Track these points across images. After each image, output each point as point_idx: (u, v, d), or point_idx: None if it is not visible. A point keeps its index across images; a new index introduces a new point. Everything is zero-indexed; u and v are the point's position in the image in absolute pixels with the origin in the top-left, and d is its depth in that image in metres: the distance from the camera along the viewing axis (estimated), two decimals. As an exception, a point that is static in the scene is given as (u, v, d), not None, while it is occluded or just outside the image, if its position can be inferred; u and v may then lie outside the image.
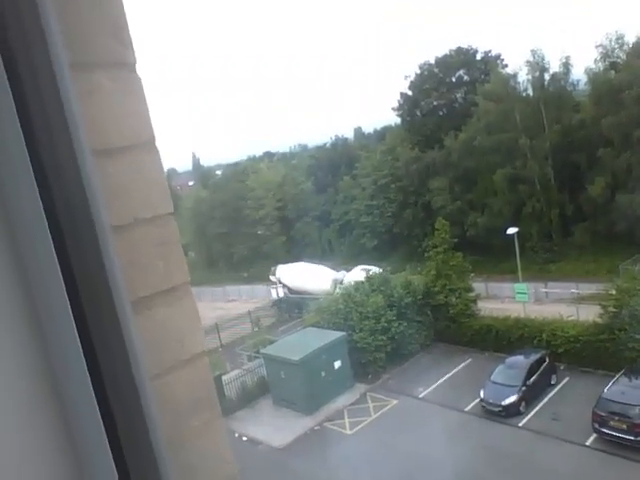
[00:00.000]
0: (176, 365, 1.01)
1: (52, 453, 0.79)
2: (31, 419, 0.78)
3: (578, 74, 36.58)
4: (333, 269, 34.53)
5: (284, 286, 35.52)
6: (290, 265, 36.31)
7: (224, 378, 22.34)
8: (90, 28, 0.93)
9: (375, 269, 31.00)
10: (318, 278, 33.56)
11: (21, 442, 0.77)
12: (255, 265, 43.06)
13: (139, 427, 0.80)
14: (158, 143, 1.03)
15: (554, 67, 36.34)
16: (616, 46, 34.54)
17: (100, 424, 0.77)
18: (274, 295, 35.88)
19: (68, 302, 0.76)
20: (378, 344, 23.04)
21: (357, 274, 31.64)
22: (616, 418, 16.00)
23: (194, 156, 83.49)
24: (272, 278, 36.63)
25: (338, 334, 22.47)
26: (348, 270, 33.43)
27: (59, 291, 0.76)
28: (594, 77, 34.74)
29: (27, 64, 0.75)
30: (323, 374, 21.28)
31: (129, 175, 0.98)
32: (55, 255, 0.76)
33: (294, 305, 34.00)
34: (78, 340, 0.76)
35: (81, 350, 0.76)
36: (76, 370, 0.77)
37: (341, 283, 31.92)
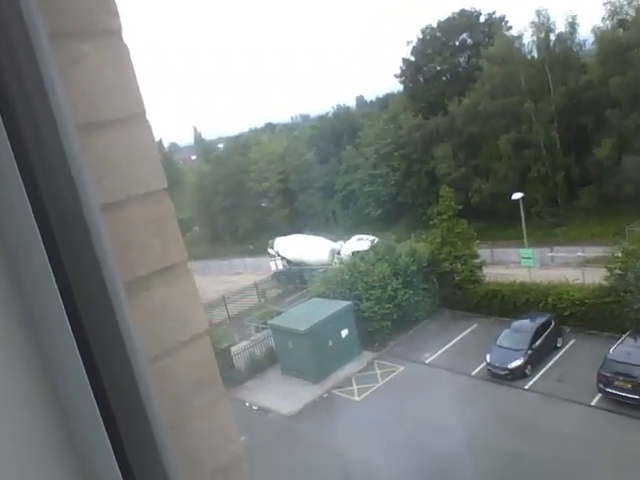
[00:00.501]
0: (177, 346, 0.98)
1: (49, 443, 0.77)
2: (25, 407, 0.75)
3: (585, 34, 35.68)
4: (338, 239, 34.66)
5: (283, 258, 35.86)
6: (288, 237, 36.54)
7: (233, 349, 22.64)
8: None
9: (372, 238, 31.30)
10: (316, 249, 33.87)
11: (17, 433, 0.75)
12: (260, 238, 43.09)
13: (137, 411, 0.78)
14: (151, 116, 0.98)
15: (560, 27, 35.46)
16: (625, 2, 33.51)
17: (96, 411, 0.74)
18: (273, 267, 36.30)
19: (57, 288, 0.73)
20: (384, 312, 23.22)
21: (354, 244, 31.97)
22: (621, 378, 16.19)
23: (195, 130, 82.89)
24: (270, 251, 37.00)
25: (344, 303, 22.63)
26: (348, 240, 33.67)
27: (47, 277, 0.72)
28: (601, 36, 33.81)
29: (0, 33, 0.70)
30: (330, 343, 21.53)
31: (120, 150, 0.93)
32: (41, 239, 0.72)
33: (293, 277, 34.48)
34: (69, 326, 0.73)
35: (73, 336, 0.73)
36: (69, 357, 0.74)
37: (339, 253, 32.24)
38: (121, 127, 0.94)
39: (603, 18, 34.08)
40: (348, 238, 34.04)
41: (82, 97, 0.88)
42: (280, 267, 36.01)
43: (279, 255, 36.08)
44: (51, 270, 0.72)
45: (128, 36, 0.98)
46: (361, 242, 31.97)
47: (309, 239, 35.45)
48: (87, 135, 0.88)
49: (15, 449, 0.74)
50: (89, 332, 0.74)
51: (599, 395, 16.76)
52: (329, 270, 28.69)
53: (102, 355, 0.75)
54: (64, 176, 0.74)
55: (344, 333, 22.16)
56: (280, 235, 37.75)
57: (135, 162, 0.96)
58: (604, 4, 33.80)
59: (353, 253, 29.71)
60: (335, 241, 34.35)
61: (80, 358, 0.74)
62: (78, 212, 0.75)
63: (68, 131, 0.75)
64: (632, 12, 33.25)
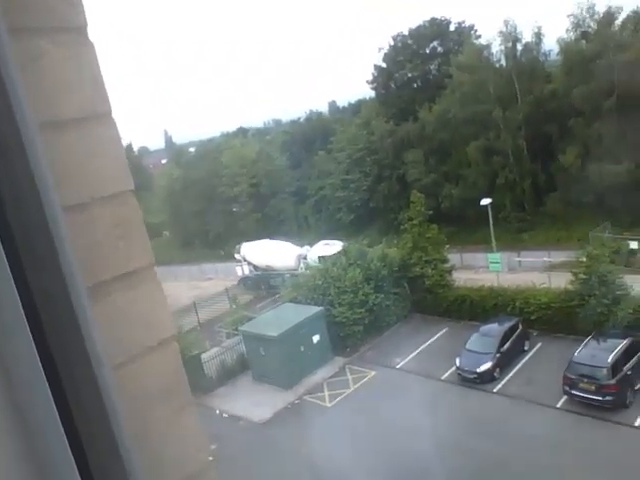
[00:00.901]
0: (142, 352, 0.95)
1: (7, 452, 0.73)
2: None
3: (550, 44, 36.71)
4: (311, 244, 34.71)
5: (249, 264, 35.89)
6: (254, 243, 36.54)
7: (203, 356, 22.33)
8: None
9: (339, 243, 31.68)
10: (282, 254, 33.99)
11: None
12: (231, 242, 42.68)
13: (99, 419, 0.75)
14: (120, 118, 0.95)
15: (527, 37, 36.39)
16: (587, 15, 34.62)
17: (57, 419, 0.71)
18: (239, 273, 36.32)
19: (17, 293, 0.69)
20: (356, 317, 23.28)
21: (320, 249, 32.26)
22: (585, 380, 16.58)
23: (166, 134, 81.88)
24: (237, 256, 37.00)
25: (316, 309, 22.60)
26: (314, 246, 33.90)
27: (7, 282, 0.69)
28: (566, 47, 34.86)
29: None
30: (302, 349, 21.45)
31: (83, 150, 0.90)
32: (0, 242, 0.69)
33: (259, 282, 34.59)
34: (29, 332, 0.70)
35: (34, 343, 0.70)
36: (30, 364, 0.71)
37: (305, 258, 32.41)
38: (84, 126, 0.91)
39: (567, 30, 35.19)
40: (315, 243, 34.20)
41: (43, 95, 0.85)
42: (247, 272, 36.06)
43: (245, 260, 36.09)
44: (11, 275, 0.69)
45: (95, 34, 0.95)
46: (327, 247, 32.29)
47: (275, 244, 35.52)
48: (48, 134, 0.85)
49: None
50: (50, 338, 0.72)
51: (564, 397, 17.14)
52: (300, 275, 28.70)
53: (64, 362, 0.72)
54: (25, 177, 0.71)
55: (316, 338, 22.12)
56: (252, 240, 37.57)
57: (99, 162, 0.93)
58: (568, 16, 34.90)
59: (319, 258, 30.11)
60: (303, 246, 34.48)
61: (41, 365, 0.71)
62: (40, 215, 0.72)
63: (29, 130, 0.72)
64: (594, 25, 34.39)
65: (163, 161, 76.20)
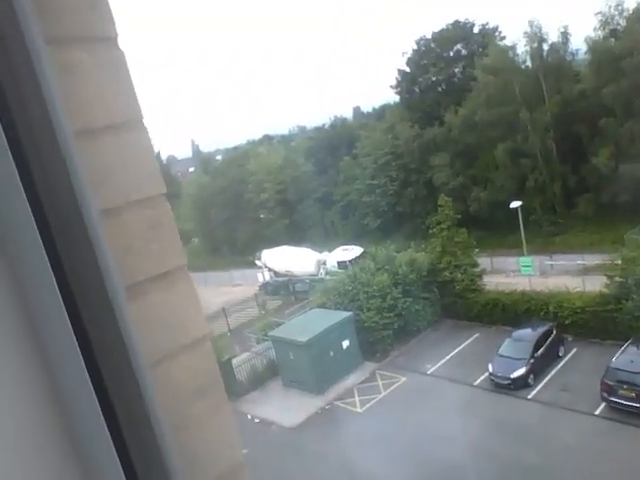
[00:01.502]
0: (177, 351, 0.98)
1: (53, 449, 0.76)
2: (28, 416, 0.75)
3: (577, 43, 35.97)
4: (328, 251, 35.04)
5: (270, 270, 36.30)
6: (275, 249, 37.07)
7: (234, 361, 22.54)
8: (64, 1, 0.87)
9: (357, 248, 31.96)
10: (302, 260, 34.41)
11: (20, 440, 0.74)
12: (259, 249, 43.05)
13: (140, 416, 0.77)
14: (147, 122, 0.98)
15: (552, 37, 35.76)
16: (616, 13, 33.84)
17: (100, 416, 0.74)
18: (260, 279, 36.89)
19: (59, 294, 0.72)
20: (385, 322, 23.15)
21: (339, 254, 32.56)
22: (625, 387, 16.08)
23: (193, 143, 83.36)
24: (258, 262, 37.58)
25: (345, 314, 22.56)
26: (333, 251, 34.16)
27: (49, 283, 0.72)
28: (594, 45, 34.09)
29: None
30: (331, 354, 21.42)
31: (116, 156, 0.93)
32: (42, 246, 0.72)
33: (280, 287, 35.16)
34: (72, 332, 0.73)
35: (76, 342, 0.73)
36: (72, 363, 0.74)
37: (324, 264, 32.69)
38: (117, 133, 0.94)
39: (595, 28, 34.44)
40: (333, 249, 34.46)
41: (77, 103, 0.89)
42: (267, 278, 36.54)
43: (266, 266, 36.53)
44: (53, 276, 0.72)
45: (125, 44, 0.98)
46: (346, 252, 32.52)
47: (295, 250, 35.96)
48: (82, 142, 0.88)
49: (20, 455, 0.74)
50: (92, 336, 0.74)
51: (603, 404, 16.64)
52: (326, 280, 28.92)
53: (105, 359, 0.75)
54: (64, 183, 0.74)
55: (345, 344, 22.07)
56: (278, 246, 37.96)
57: (132, 168, 0.96)
58: (595, 14, 34.19)
59: (338, 263, 30.41)
60: (322, 252, 34.76)
61: (83, 363, 0.73)
62: (78, 219, 0.75)
63: (66, 138, 0.75)
64: (623, 22, 33.59)
65: (191, 169, 77.48)
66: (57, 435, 0.77)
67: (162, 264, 0.98)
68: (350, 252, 32.67)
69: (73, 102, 0.87)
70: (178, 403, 0.97)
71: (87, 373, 0.74)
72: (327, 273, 30.98)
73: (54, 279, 0.72)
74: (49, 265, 0.72)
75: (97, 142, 0.91)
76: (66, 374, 0.75)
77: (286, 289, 34.67)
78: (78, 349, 0.74)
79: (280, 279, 35.55)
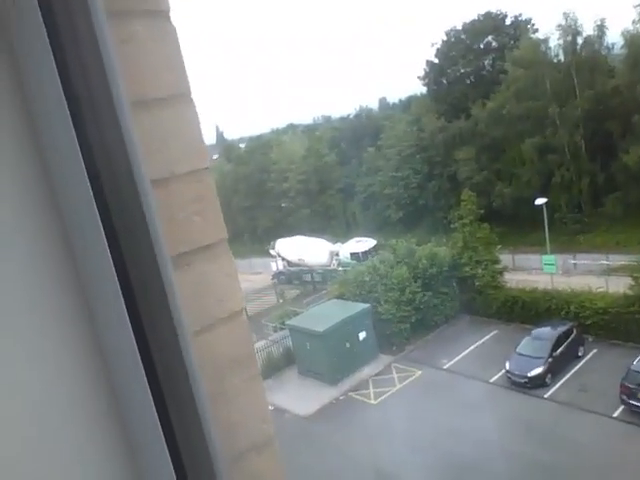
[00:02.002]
0: (216, 322, 1.00)
1: (97, 410, 0.79)
2: (77, 376, 0.77)
3: (614, 37, 34.97)
4: (350, 242, 35.04)
5: (283, 259, 36.42)
6: (289, 239, 37.21)
7: (250, 348, 22.72)
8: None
9: (371, 240, 31.86)
10: (315, 251, 34.51)
11: (67, 397, 0.77)
12: (279, 238, 43.29)
13: (182, 382, 0.79)
14: (194, 96, 1.00)
15: (587, 30, 34.83)
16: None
17: (145, 382, 0.76)
18: (274, 268, 36.96)
19: (111, 260, 0.75)
20: (403, 315, 23.09)
21: (352, 246, 32.51)
22: (645, 390, 15.81)
23: (217, 129, 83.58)
24: (272, 252, 37.67)
25: (363, 306, 22.56)
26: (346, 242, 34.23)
27: (102, 250, 0.74)
28: (631, 39, 33.08)
29: (64, 10, 0.72)
30: (348, 345, 21.47)
31: (166, 128, 0.95)
32: (97, 210, 0.74)
33: (293, 277, 35.34)
34: (122, 297, 0.75)
35: (125, 307, 0.75)
36: (120, 328, 0.76)
37: (337, 255, 32.69)
38: (167, 105, 0.96)
39: (634, 21, 33.39)
40: (362, 240, 34.37)
41: (131, 75, 0.91)
42: (281, 267, 36.65)
43: (280, 256, 36.63)
44: (106, 242, 0.74)
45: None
46: (359, 244, 32.47)
47: (309, 241, 36.03)
48: (135, 112, 0.90)
49: (67, 415, 0.77)
50: (140, 303, 0.76)
51: (622, 407, 16.39)
52: (342, 272, 29.02)
53: (151, 326, 0.77)
54: (120, 152, 0.76)
55: (362, 335, 22.09)
56: (301, 235, 38.09)
57: (179, 140, 0.98)
58: (635, 7, 33.12)
59: (351, 255, 30.41)
60: (329, 242, 34.78)
61: (130, 327, 0.76)
62: (132, 187, 0.77)
63: (124, 108, 0.77)
64: (663, 15, 32.52)
65: (214, 156, 77.84)
66: (101, 397, 0.80)
67: (204, 237, 1.00)
68: (363, 244, 32.69)
69: (127, 74, 0.89)
70: (216, 373, 0.99)
71: (133, 337, 0.76)
72: (340, 264, 30.95)
73: (107, 245, 0.74)
74: (102, 230, 0.74)
75: (149, 114, 0.93)
76: (114, 339, 0.77)
77: (299, 279, 34.84)
78: (126, 314, 0.76)
79: (293, 269, 35.75)
